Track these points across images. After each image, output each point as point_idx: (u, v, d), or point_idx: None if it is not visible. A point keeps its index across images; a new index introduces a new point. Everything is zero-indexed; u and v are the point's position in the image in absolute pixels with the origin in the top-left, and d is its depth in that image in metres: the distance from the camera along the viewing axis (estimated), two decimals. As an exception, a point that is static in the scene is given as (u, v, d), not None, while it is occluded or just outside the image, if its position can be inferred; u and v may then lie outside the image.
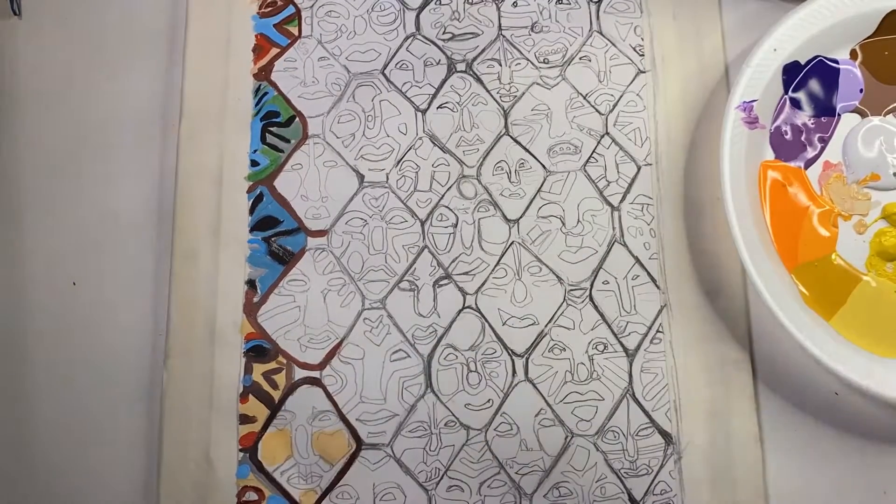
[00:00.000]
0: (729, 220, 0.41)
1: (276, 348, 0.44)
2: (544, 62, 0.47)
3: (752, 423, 0.42)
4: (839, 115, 0.45)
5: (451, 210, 0.45)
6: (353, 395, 0.43)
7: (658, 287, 0.44)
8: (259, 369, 0.44)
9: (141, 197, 0.46)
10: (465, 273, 0.45)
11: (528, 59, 0.47)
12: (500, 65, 0.47)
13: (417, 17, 0.48)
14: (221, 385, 0.43)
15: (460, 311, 0.44)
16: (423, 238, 0.45)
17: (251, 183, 0.46)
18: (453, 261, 0.45)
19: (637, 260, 0.44)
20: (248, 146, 0.46)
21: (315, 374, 0.44)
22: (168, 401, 0.43)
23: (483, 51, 0.47)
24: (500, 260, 0.45)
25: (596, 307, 0.44)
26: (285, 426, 0.43)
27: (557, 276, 0.44)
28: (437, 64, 0.47)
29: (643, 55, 0.47)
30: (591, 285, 0.44)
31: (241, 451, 0.43)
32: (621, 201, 0.45)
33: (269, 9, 0.48)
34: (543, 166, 0.46)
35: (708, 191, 0.45)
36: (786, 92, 0.45)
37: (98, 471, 0.43)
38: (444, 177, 0.46)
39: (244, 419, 0.43)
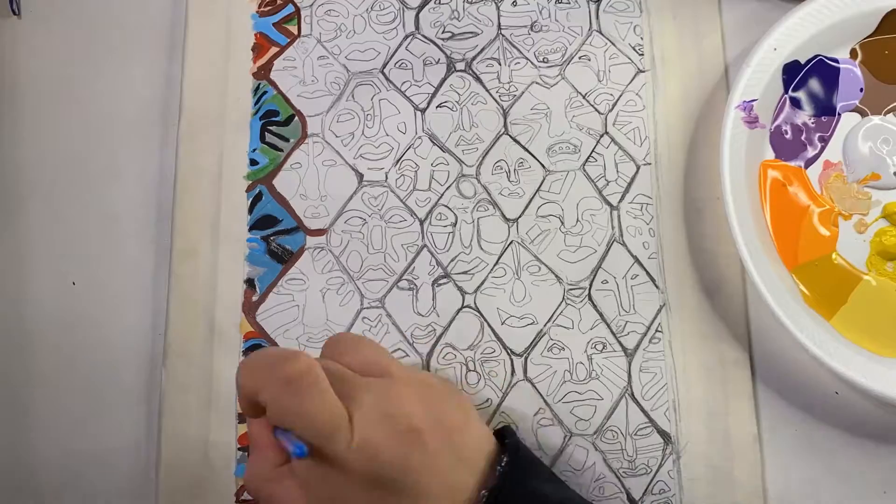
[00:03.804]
0: (729, 220, 0.41)
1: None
2: (544, 61, 0.47)
3: (751, 423, 0.42)
4: (839, 114, 0.45)
5: (450, 209, 0.45)
6: (352, 395, 0.43)
7: (657, 286, 0.44)
8: (258, 368, 0.43)
9: (140, 196, 0.46)
10: (464, 272, 0.45)
11: (527, 59, 0.47)
12: (500, 64, 0.47)
13: (417, 16, 0.48)
14: (220, 384, 0.43)
15: (459, 311, 0.44)
16: (423, 237, 0.45)
17: (250, 182, 0.46)
18: (452, 260, 0.45)
19: (636, 259, 0.44)
20: (248, 145, 0.46)
21: (314, 373, 0.43)
22: (167, 400, 0.43)
23: (482, 50, 0.47)
24: (499, 259, 0.45)
25: (595, 306, 0.44)
26: (284, 425, 0.43)
27: (556, 276, 0.44)
28: (437, 63, 0.47)
29: (643, 54, 0.47)
30: (590, 285, 0.44)
31: (239, 449, 0.43)
32: (620, 201, 0.45)
33: (269, 8, 0.48)
34: (543, 165, 0.46)
35: (708, 190, 0.45)
36: (786, 91, 0.45)
37: (97, 469, 0.43)
38: (444, 176, 0.46)
39: (243, 418, 0.43)
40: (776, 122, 0.44)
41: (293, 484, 0.34)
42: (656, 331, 0.43)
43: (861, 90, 0.45)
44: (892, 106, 0.44)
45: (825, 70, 0.45)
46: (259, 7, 0.48)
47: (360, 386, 0.34)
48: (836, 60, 0.45)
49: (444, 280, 0.44)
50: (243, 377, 0.34)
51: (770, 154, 0.44)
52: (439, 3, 0.48)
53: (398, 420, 0.33)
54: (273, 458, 0.35)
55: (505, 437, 0.37)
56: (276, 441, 0.35)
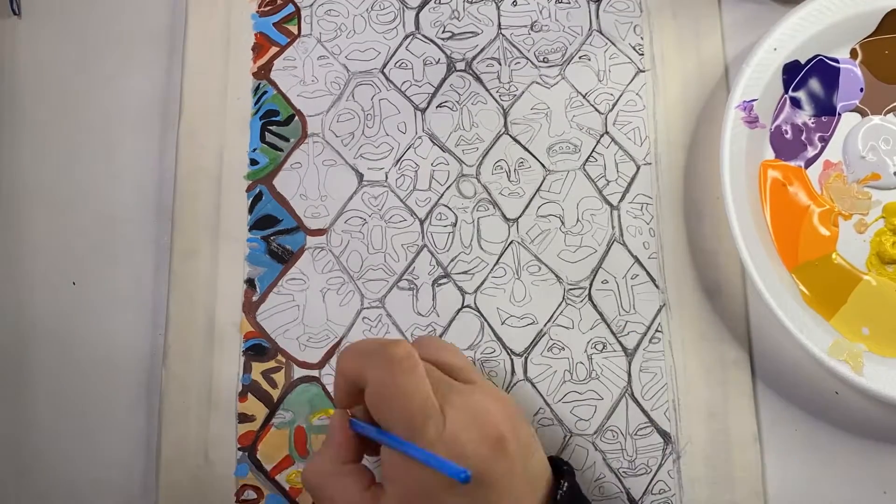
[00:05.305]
0: (729, 220, 0.41)
1: (275, 347, 0.44)
2: (544, 61, 0.47)
3: (751, 423, 0.42)
4: (839, 114, 0.45)
5: (450, 209, 0.45)
6: (352, 395, 0.43)
7: (657, 286, 0.44)
8: (258, 368, 0.44)
9: (140, 196, 0.46)
10: (465, 272, 0.44)
11: (527, 58, 0.47)
12: (500, 64, 0.47)
13: (417, 15, 0.48)
14: (220, 384, 0.43)
15: (459, 311, 0.44)
16: (423, 237, 0.45)
17: (250, 182, 0.46)
18: (452, 260, 0.45)
19: (636, 259, 0.44)
20: (248, 145, 0.46)
21: (314, 373, 0.43)
22: (167, 399, 0.43)
23: (482, 50, 0.47)
24: (499, 259, 0.45)
25: (595, 306, 0.44)
26: (284, 425, 0.43)
27: (556, 276, 0.44)
28: (437, 63, 0.47)
29: (643, 54, 0.47)
30: (591, 284, 0.44)
31: (239, 449, 0.43)
32: (620, 200, 0.45)
33: (269, 7, 0.48)
34: (543, 165, 0.46)
35: (708, 190, 0.45)
36: (786, 91, 0.45)
37: (97, 469, 0.43)
38: (444, 176, 0.46)
39: (243, 418, 0.43)
40: (776, 122, 0.44)
41: (353, 483, 0.34)
42: (656, 331, 0.43)
43: (861, 90, 0.45)
44: (892, 106, 0.44)
45: (825, 70, 0.45)
46: (259, 7, 0.48)
47: (450, 385, 0.35)
48: (836, 60, 0.45)
49: (444, 280, 0.44)
50: (347, 359, 0.35)
51: (770, 154, 0.44)
52: (439, 2, 0.48)
53: (487, 426, 0.34)
54: (342, 454, 0.35)
55: (561, 465, 0.37)
56: (350, 439, 0.35)
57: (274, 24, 0.48)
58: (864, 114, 0.44)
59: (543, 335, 0.44)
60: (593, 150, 0.46)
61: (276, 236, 0.45)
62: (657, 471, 0.42)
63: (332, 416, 0.36)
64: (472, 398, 0.34)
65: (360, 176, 0.46)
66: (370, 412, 0.34)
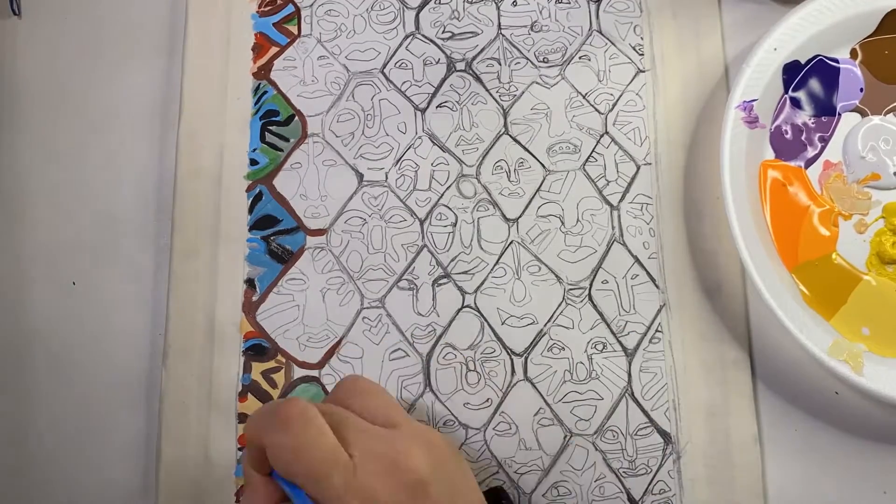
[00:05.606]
0: (729, 220, 0.41)
1: (275, 347, 0.44)
2: (544, 61, 0.47)
3: (752, 423, 0.42)
4: (839, 114, 0.45)
5: (450, 209, 0.45)
6: (352, 395, 0.43)
7: (657, 286, 0.44)
8: (258, 368, 0.44)
9: (140, 196, 0.46)
10: (465, 272, 0.45)
11: (527, 59, 0.47)
12: (500, 64, 0.47)
13: (417, 16, 0.48)
14: (220, 384, 0.43)
15: (459, 311, 0.44)
16: (423, 237, 0.45)
17: (250, 182, 0.46)
18: (452, 260, 0.45)
19: (636, 259, 0.44)
20: (248, 145, 0.46)
21: (314, 373, 0.44)
22: (167, 399, 0.43)
23: (482, 50, 0.47)
24: (499, 259, 0.45)
25: (595, 306, 0.44)
26: (284, 425, 0.43)
27: (556, 276, 0.44)
28: (437, 63, 0.47)
29: (643, 54, 0.47)
30: (591, 284, 0.44)
31: (239, 449, 0.43)
32: (621, 201, 0.45)
33: (269, 7, 0.48)
34: (543, 165, 0.46)
35: (708, 190, 0.45)
36: (786, 91, 0.45)
37: (97, 469, 0.43)
38: (444, 176, 0.46)
39: (243, 418, 0.43)
40: (776, 122, 0.44)
41: None
42: (656, 331, 0.43)
43: (861, 90, 0.45)
44: (892, 106, 0.44)
45: (825, 70, 0.45)
46: (259, 7, 0.48)
47: (364, 431, 0.34)
48: (836, 60, 0.45)
49: (445, 280, 0.44)
50: (248, 427, 0.35)
51: (770, 154, 0.44)
52: (439, 2, 0.48)
53: (404, 472, 0.33)
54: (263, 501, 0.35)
55: (500, 500, 0.36)
56: (273, 492, 0.35)
57: (274, 24, 0.48)
58: (864, 114, 0.44)
59: (543, 335, 0.44)
60: (593, 150, 0.46)
61: (276, 236, 0.45)
62: (657, 471, 0.42)
63: (250, 476, 0.35)
64: (391, 444, 0.34)
65: (360, 176, 0.46)
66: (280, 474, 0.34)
